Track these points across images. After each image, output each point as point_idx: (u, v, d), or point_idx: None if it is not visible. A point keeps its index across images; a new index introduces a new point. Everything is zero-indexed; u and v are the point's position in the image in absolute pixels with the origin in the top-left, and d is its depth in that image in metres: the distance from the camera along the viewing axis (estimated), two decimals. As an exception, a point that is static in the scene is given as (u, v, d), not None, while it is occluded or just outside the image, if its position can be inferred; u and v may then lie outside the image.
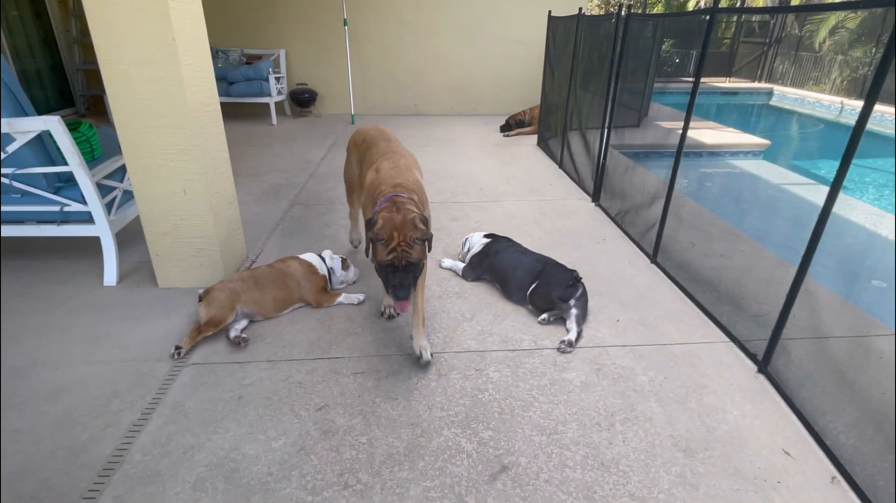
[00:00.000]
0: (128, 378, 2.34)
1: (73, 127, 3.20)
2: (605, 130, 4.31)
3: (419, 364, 2.41)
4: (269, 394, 2.26)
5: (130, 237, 3.46)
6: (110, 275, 3.14)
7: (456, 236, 3.70)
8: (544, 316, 2.75)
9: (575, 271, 2.84)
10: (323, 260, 3.06)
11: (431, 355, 2.44)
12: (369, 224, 2.20)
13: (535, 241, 3.67)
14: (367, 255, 2.22)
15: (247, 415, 2.14)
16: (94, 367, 2.41)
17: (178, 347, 2.48)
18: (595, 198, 4.51)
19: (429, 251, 2.26)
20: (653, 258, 3.42)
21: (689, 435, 2.03)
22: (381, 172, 2.47)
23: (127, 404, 2.18)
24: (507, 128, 7.35)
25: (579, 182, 4.97)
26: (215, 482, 1.83)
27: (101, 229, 3.09)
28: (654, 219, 3.47)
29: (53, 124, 2.74)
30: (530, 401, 2.21)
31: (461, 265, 3.27)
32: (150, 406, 2.18)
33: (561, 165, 5.56)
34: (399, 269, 2.15)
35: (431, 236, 2.24)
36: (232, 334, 2.61)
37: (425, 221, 2.22)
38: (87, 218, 3.08)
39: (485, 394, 2.25)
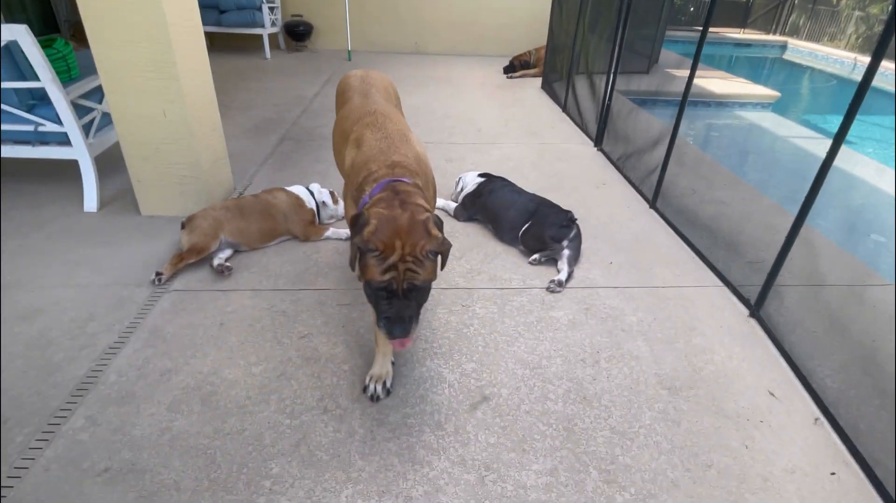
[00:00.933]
0: (106, 302, 2.29)
1: (47, 43, 3.01)
2: (612, 74, 4.10)
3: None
4: (252, 321, 2.22)
5: (112, 163, 3.33)
6: (90, 200, 3.04)
7: (450, 177, 3.58)
8: (535, 256, 2.68)
9: (569, 212, 2.74)
10: (311, 193, 2.95)
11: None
12: (356, 223, 1.52)
13: (531, 183, 3.55)
14: (353, 269, 1.55)
15: (227, 341, 2.10)
16: (71, 291, 2.35)
17: (158, 273, 2.42)
18: (598, 142, 4.36)
19: (442, 268, 1.59)
20: (652, 203, 3.32)
21: (675, 374, 2.01)
22: (365, 146, 1.78)
23: (104, 327, 2.14)
24: (511, 69, 7.05)
25: (582, 126, 4.80)
26: (191, 404, 1.80)
27: (79, 152, 2.96)
28: (655, 164, 3.35)
29: (21, 34, 2.56)
30: (515, 337, 2.17)
31: (453, 205, 3.18)
32: (127, 330, 2.14)
33: (565, 109, 5.36)
34: (397, 296, 1.49)
35: (449, 247, 1.57)
36: (215, 262, 2.54)
37: (440, 225, 1.57)
38: (64, 139, 2.95)
39: (470, 329, 2.21)
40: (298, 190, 2.94)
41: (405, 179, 1.64)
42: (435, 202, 1.93)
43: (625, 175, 3.78)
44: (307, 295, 2.40)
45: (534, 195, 2.94)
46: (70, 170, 3.10)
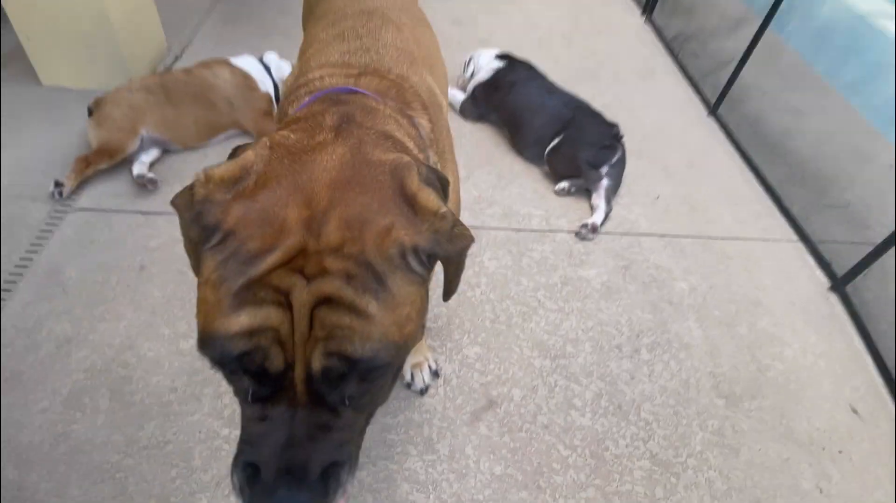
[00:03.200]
0: (-15, 224, 1.69)
1: None
2: None
3: (410, 390, 1.43)
4: (184, 264, 1.65)
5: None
6: (-33, 60, 2.24)
7: (456, 49, 2.72)
8: (563, 184, 2.06)
9: (616, 125, 2.07)
10: (267, 69, 2.18)
11: (436, 371, 1.45)
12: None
13: (561, 67, 2.73)
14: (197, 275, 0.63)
15: (149, 296, 1.57)
16: (-63, 203, 1.73)
17: (58, 184, 1.79)
18: (648, 10, 3.40)
19: (447, 297, 0.82)
20: (713, 109, 2.59)
21: (735, 374, 1.57)
22: (311, 58, 1.02)
23: (-20, 266, 1.58)
24: None
25: (627, -16, 3.75)
26: (97, 397, 1.33)
27: (-67, -14, 2.08)
28: (728, 55, 2.55)
29: None
30: (534, 307, 1.67)
31: (461, 96, 2.42)
32: (17, 269, 1.58)
33: (605, -44, 4.19)
34: (288, 397, 0.57)
35: (468, 244, 0.66)
36: (136, 170, 1.89)
37: (443, 181, 0.71)
38: None
39: (476, 292, 1.69)
40: (248, 64, 2.15)
41: (366, 93, 0.84)
42: (440, 130, 0.99)
43: (680, 63, 2.95)
44: (262, 224, 1.81)
45: (570, 96, 2.21)
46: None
